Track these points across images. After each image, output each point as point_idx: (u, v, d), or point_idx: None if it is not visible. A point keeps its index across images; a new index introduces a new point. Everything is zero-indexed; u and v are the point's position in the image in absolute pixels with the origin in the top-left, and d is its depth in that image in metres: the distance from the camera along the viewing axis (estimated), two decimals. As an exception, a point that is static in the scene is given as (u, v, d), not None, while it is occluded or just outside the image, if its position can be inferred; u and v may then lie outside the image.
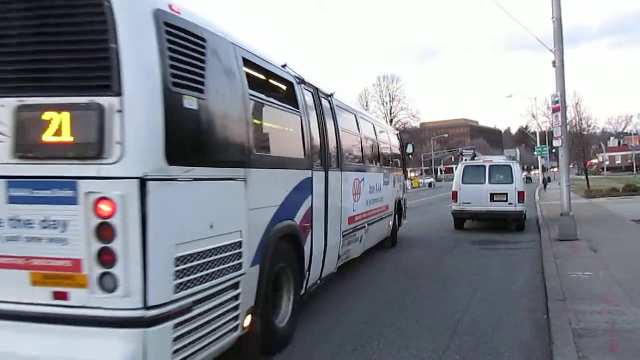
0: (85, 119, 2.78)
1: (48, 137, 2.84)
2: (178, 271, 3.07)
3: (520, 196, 14.01)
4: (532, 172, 59.05)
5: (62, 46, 2.88)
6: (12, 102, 2.86)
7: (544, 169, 48.96)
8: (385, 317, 6.11)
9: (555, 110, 12.05)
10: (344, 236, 6.79)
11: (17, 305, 2.90)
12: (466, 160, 15.46)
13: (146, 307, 2.87)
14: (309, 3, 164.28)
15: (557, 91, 11.81)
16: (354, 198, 7.35)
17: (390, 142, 10.98)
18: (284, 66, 5.27)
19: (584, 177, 38.97)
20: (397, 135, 12.61)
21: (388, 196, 10.11)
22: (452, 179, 15.41)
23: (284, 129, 5.12)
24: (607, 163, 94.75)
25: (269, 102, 4.61)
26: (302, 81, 5.67)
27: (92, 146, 2.83)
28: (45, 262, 2.90)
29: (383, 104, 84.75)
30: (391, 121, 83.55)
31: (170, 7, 3.24)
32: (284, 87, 5.17)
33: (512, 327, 5.65)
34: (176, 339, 3.06)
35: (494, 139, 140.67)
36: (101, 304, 2.87)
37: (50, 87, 2.89)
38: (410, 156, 13.72)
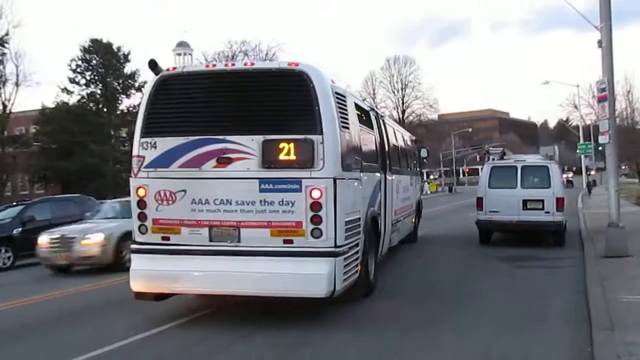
0: (304, 147, 6.94)
1: (282, 156, 6.98)
2: (345, 229, 7.16)
3: (559, 203, 14.08)
4: (568, 175, 59.21)
5: (290, 107, 7.13)
6: (260, 138, 7.06)
7: (588, 171, 49.12)
8: (399, 346, 6.29)
9: (600, 100, 12.00)
10: (392, 224, 11.44)
11: (262, 248, 7.00)
12: (493, 159, 15.49)
13: (336, 246, 6.93)
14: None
15: (604, 77, 11.73)
16: (396, 195, 11.95)
17: (411, 147, 15.63)
18: (364, 100, 10.41)
19: (636, 180, 39.09)
20: (414, 140, 17.12)
21: (412, 196, 14.88)
22: (477, 182, 16.03)
23: (369, 144, 9.39)
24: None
25: (364, 127, 9.02)
26: (372, 109, 10.49)
27: (308, 161, 6.94)
28: (279, 223, 6.97)
29: (393, 92, 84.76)
30: (403, 112, 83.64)
31: (332, 81, 7.53)
32: (365, 116, 9.57)
33: (549, 361, 5.71)
34: (344, 266, 7.14)
35: (527, 134, 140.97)
36: (312, 245, 6.92)
37: (283, 130, 7.04)
38: (425, 160, 17.95)
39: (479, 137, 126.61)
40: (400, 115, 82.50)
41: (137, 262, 7.64)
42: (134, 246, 7.71)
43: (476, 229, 15.18)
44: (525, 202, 14.27)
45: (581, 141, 45.16)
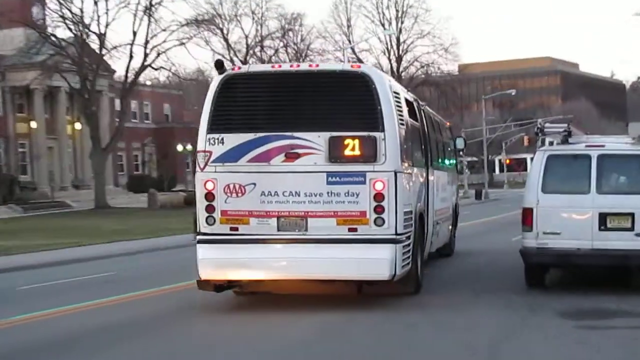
0: (368, 143, 13.16)
1: (347, 151, 13.21)
2: (404, 219, 13.63)
3: None
4: None
5: (353, 107, 13.59)
6: (326, 135, 13.22)
7: None
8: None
9: None
10: (433, 225, 17.53)
11: (329, 235, 13.27)
12: (551, 143, 15.76)
13: (397, 234, 13.26)
14: None
15: None
16: (437, 194, 18.31)
17: (447, 137, 22.56)
18: (408, 90, 17.80)
19: None
20: (448, 127, 24.05)
21: (449, 197, 22.09)
22: (523, 183, 16.63)
23: (417, 138, 16.04)
24: None
25: (412, 121, 15.62)
26: (415, 99, 17.30)
27: (372, 156, 13.18)
28: (345, 213, 13.20)
29: (382, 24, 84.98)
30: (399, 59, 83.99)
31: (389, 80, 15.04)
32: (411, 108, 15.91)
33: None
34: (402, 254, 13.54)
35: (608, 101, 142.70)
36: (375, 232, 13.20)
37: (348, 127, 13.32)
38: (462, 152, 26.05)
39: (527, 104, 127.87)
40: (395, 65, 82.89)
41: (205, 252, 13.35)
42: (200, 237, 13.42)
43: (521, 262, 15.44)
44: (603, 217, 14.53)
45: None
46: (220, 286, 13.93)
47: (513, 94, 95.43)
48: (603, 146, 15.39)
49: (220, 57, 19.87)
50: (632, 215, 14.45)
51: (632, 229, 14.44)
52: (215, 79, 13.63)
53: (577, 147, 15.53)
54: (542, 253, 15.01)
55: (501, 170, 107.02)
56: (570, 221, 14.85)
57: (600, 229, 14.58)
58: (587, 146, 15.46)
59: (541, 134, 16.22)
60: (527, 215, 15.07)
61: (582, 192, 14.77)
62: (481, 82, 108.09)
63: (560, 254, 14.91)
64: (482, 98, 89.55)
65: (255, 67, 15.74)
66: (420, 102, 18.11)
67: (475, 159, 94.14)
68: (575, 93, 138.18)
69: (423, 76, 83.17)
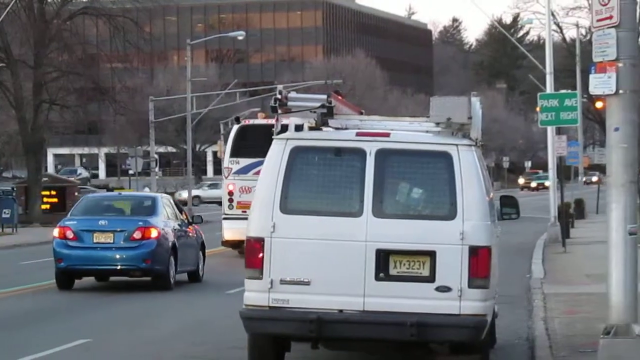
0: None
1: None
2: None
3: (475, 267, 12.19)
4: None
5: None
6: None
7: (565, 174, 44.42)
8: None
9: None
10: None
11: None
12: (298, 127, 13.66)
13: None
14: None
15: None
16: None
17: None
18: None
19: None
20: None
21: None
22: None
23: None
24: None
25: None
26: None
27: None
28: None
29: None
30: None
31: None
32: None
33: None
34: None
35: (403, 58, 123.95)
36: None
37: None
38: None
39: (267, 57, 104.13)
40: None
41: (227, 224, 37.29)
42: (224, 216, 38.08)
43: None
44: (384, 256, 12.08)
45: (549, 88, 39.73)
46: (235, 245, 32.60)
47: (241, 38, 79.92)
48: (387, 135, 12.74)
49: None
50: (430, 255, 11.98)
51: (427, 278, 11.96)
52: (235, 127, 35.47)
53: (342, 135, 13.04)
54: (279, 317, 12.22)
55: (217, 170, 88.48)
56: (327, 263, 12.19)
57: (378, 278, 11.99)
58: (359, 134, 12.83)
59: (282, 110, 13.11)
60: (253, 251, 12.35)
61: (348, 214, 12.28)
62: (187, 17, 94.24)
63: (310, 320, 11.92)
64: (188, 44, 68.21)
65: (257, 120, 36.41)
66: None
67: (173, 149, 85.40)
68: (348, 41, 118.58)
69: (85, 0, 63.77)
